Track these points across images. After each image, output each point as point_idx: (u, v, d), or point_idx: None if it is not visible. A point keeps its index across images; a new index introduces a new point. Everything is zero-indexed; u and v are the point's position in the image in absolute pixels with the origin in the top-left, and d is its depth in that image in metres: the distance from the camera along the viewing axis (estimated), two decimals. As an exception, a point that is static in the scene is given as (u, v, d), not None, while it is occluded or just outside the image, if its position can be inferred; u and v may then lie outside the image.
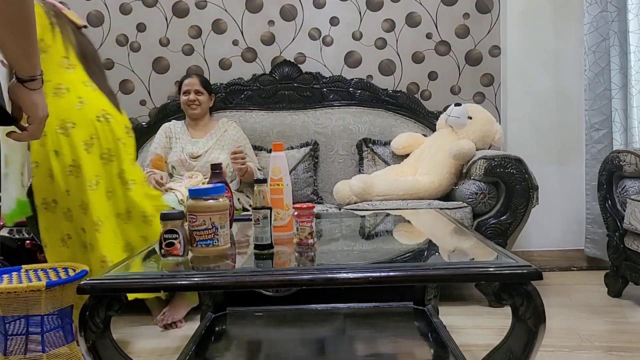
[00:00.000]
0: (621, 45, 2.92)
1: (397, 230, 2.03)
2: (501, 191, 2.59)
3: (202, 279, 1.26)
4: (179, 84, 2.98)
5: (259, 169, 2.90)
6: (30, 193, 2.27)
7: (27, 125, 1.19)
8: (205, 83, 2.96)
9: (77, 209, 2.12)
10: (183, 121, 3.00)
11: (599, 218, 2.83)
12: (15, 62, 1.11)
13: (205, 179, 2.63)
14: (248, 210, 2.61)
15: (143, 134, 3.20)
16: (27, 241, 2.81)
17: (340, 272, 1.24)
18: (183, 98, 2.92)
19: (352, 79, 3.29)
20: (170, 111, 3.21)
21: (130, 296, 2.34)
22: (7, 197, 2.37)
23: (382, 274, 1.23)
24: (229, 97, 3.29)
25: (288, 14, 3.34)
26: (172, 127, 2.94)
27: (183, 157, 2.80)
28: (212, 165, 1.74)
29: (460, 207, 2.58)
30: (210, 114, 3.03)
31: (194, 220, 1.39)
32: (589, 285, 2.87)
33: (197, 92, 2.91)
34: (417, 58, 3.34)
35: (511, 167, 2.54)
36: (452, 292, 2.75)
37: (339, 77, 3.30)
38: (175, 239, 1.36)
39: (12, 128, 1.21)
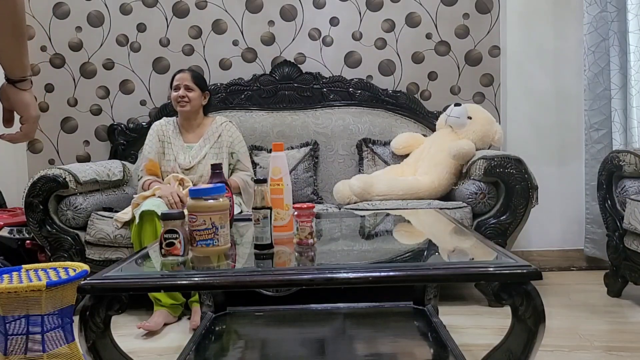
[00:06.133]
0: (621, 45, 2.93)
1: (397, 230, 2.03)
2: (501, 191, 2.59)
3: (202, 278, 1.26)
4: (171, 78, 2.80)
5: (252, 178, 2.72)
6: None
7: (20, 125, 1.21)
8: (197, 78, 2.76)
9: None
10: (175, 119, 2.83)
11: (598, 218, 2.84)
12: (10, 64, 1.14)
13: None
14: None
15: (143, 134, 3.19)
16: (28, 241, 2.81)
17: (340, 272, 1.24)
18: (173, 94, 2.73)
19: (352, 79, 3.29)
20: (170, 111, 3.20)
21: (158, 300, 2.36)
22: None
23: (382, 274, 1.23)
24: (229, 97, 3.29)
25: (288, 14, 3.34)
26: (164, 129, 2.78)
27: (176, 169, 2.69)
28: (212, 165, 1.74)
29: (460, 207, 2.58)
30: (206, 114, 2.87)
31: (194, 220, 1.39)
32: (588, 285, 2.88)
33: (187, 88, 2.71)
34: (417, 58, 3.34)
35: (511, 167, 2.54)
36: (452, 292, 2.75)
37: (339, 77, 3.30)
38: (176, 238, 1.36)
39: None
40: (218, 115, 2.97)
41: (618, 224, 2.57)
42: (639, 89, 2.84)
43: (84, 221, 2.66)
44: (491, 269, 1.25)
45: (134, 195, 2.63)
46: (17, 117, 1.22)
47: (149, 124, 3.20)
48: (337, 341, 1.85)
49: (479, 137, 2.84)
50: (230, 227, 1.55)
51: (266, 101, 3.28)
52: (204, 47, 3.36)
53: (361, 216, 2.32)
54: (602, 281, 2.75)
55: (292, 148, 3.11)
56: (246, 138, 2.99)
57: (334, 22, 3.34)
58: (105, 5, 3.34)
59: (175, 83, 2.75)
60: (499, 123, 3.15)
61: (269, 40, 3.36)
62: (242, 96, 3.29)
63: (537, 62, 3.21)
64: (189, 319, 2.44)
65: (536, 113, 3.23)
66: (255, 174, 2.94)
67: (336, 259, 1.58)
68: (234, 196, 2.02)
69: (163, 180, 2.70)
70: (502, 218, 2.56)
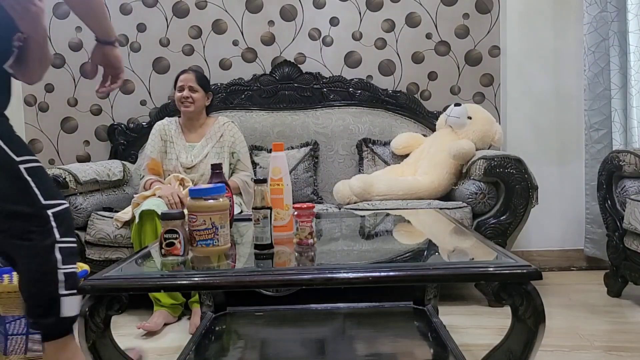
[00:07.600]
0: (621, 45, 2.93)
1: (397, 230, 2.03)
2: (501, 191, 2.59)
3: (202, 278, 1.26)
4: (175, 79, 2.82)
5: (252, 178, 2.80)
6: None
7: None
8: (201, 79, 2.77)
9: None
10: (177, 119, 2.85)
11: (598, 218, 2.84)
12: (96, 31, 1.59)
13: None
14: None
15: (143, 134, 3.20)
16: (27, 241, 2.80)
17: (340, 272, 1.24)
18: (177, 94, 2.74)
19: (352, 79, 3.29)
20: (170, 111, 3.21)
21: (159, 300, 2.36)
22: None
23: (382, 273, 1.23)
24: (229, 97, 3.29)
25: (288, 14, 3.34)
26: (166, 129, 2.78)
27: (178, 168, 2.70)
28: (212, 165, 1.73)
29: (460, 207, 2.58)
30: (208, 114, 2.88)
31: (194, 220, 1.39)
32: (588, 285, 2.88)
33: (191, 89, 2.72)
34: (417, 58, 3.34)
35: (511, 167, 2.54)
36: (452, 292, 2.75)
37: (339, 77, 3.30)
38: (176, 238, 1.36)
39: None
40: (220, 116, 2.98)
41: (618, 224, 2.57)
42: (639, 89, 2.84)
43: (84, 221, 2.66)
44: (491, 269, 1.25)
45: (134, 195, 2.63)
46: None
47: (149, 124, 3.21)
48: (337, 341, 1.85)
49: (479, 137, 2.85)
50: (230, 227, 1.55)
51: (266, 101, 3.29)
52: (204, 47, 3.36)
53: (361, 216, 2.32)
54: (602, 281, 2.75)
55: (292, 148, 3.11)
56: (246, 138, 2.99)
57: (334, 22, 3.34)
58: (105, 5, 3.31)
59: (179, 84, 2.76)
60: (499, 123, 3.15)
61: (269, 40, 3.36)
62: (242, 96, 3.29)
63: (537, 62, 3.21)
64: (189, 319, 2.44)
65: (536, 113, 3.23)
66: (255, 174, 2.95)
67: (336, 259, 1.58)
68: (234, 196, 2.02)
69: (165, 179, 2.70)
70: (502, 218, 2.56)
